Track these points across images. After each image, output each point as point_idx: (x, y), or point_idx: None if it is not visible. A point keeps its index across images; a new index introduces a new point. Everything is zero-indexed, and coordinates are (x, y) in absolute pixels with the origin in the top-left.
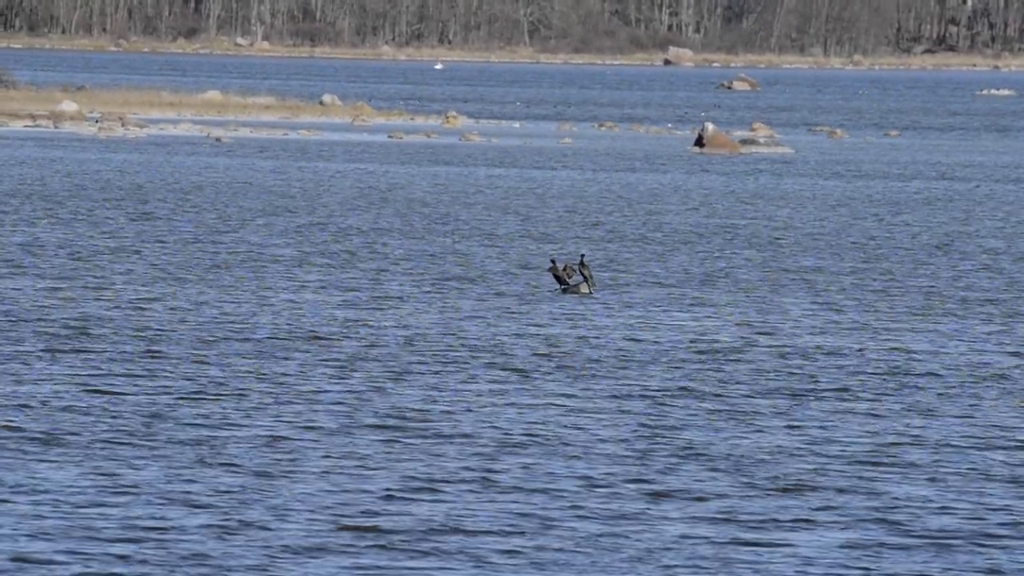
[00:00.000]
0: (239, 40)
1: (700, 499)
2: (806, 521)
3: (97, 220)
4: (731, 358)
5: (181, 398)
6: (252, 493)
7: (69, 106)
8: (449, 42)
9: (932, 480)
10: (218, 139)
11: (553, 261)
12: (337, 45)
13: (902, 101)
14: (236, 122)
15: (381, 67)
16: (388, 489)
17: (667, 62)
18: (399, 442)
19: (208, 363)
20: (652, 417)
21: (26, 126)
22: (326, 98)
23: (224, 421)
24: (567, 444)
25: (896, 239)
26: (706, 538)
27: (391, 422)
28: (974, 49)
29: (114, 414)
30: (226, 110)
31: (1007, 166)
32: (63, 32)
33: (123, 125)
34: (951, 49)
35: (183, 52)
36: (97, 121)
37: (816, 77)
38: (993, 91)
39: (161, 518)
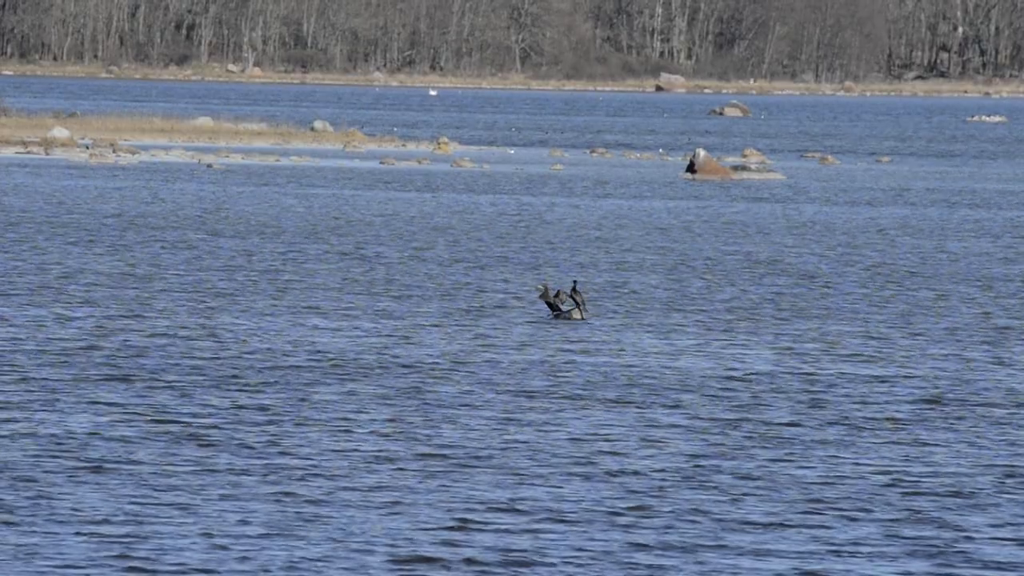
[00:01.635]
0: (230, 67)
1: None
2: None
3: (131, 248)
4: (756, 384)
5: (229, 424)
6: (303, 523)
7: (60, 132)
8: (441, 69)
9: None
10: (209, 165)
11: (545, 286)
12: (328, 71)
13: (894, 127)
14: (228, 148)
15: (374, 93)
16: (441, 519)
17: (659, 88)
18: (444, 471)
19: (242, 391)
20: (690, 444)
21: (17, 152)
22: (317, 124)
23: (265, 450)
24: (621, 469)
25: (926, 265)
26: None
27: (435, 451)
28: (965, 75)
29: (160, 442)
30: (217, 136)
31: (1001, 192)
32: (54, 59)
33: (114, 151)
34: (942, 75)
35: (174, 79)
36: (88, 147)
37: (807, 103)
38: (984, 117)
39: (213, 547)
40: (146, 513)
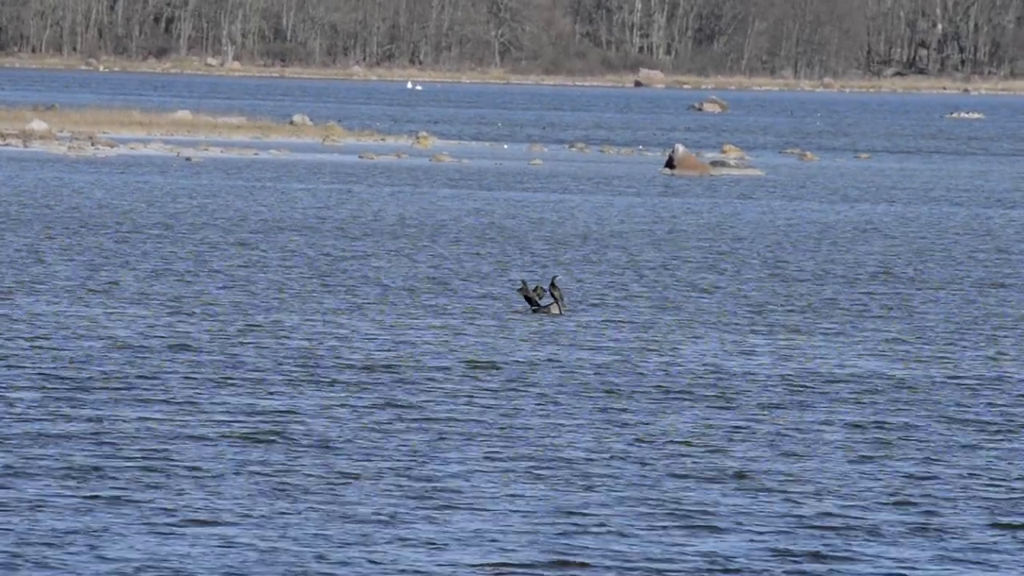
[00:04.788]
0: (210, 60)
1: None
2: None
3: (188, 245)
4: (754, 379)
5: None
6: (395, 527)
7: (39, 125)
8: (420, 63)
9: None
10: (188, 158)
11: (523, 282)
12: (308, 65)
13: (873, 124)
14: (206, 142)
15: (353, 87)
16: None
17: (638, 84)
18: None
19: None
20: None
21: None
22: (296, 118)
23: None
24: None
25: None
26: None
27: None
28: (944, 72)
29: (241, 444)
30: (196, 130)
31: (977, 189)
32: (33, 51)
33: (93, 144)
34: (921, 72)
35: (153, 72)
36: (67, 140)
37: (786, 99)
38: (963, 114)
39: (308, 552)
40: (252, 519)
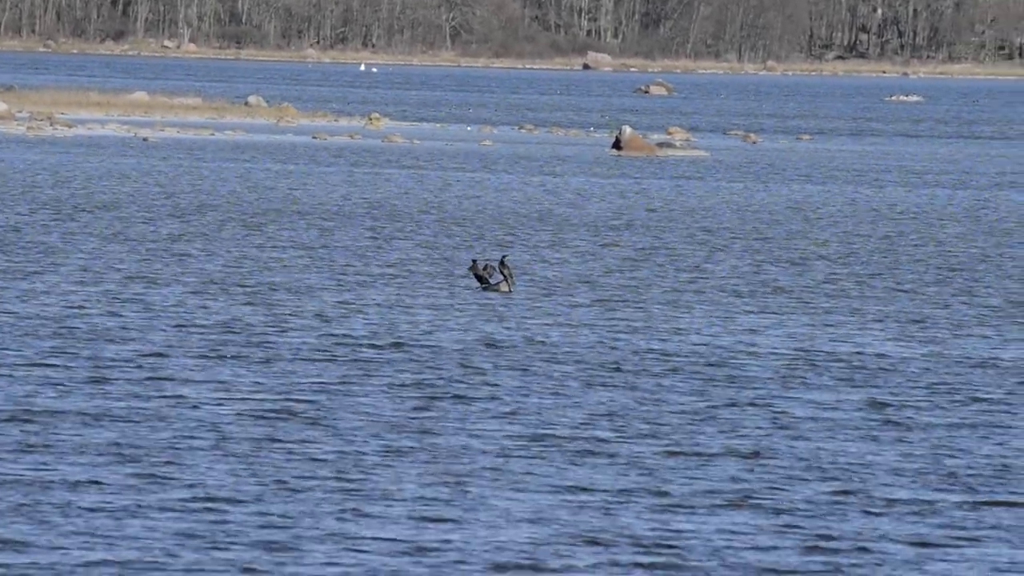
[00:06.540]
0: (166, 42)
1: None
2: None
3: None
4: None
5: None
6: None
7: None
8: (372, 46)
9: None
10: (145, 139)
11: (474, 261)
12: (263, 48)
13: (814, 106)
14: (163, 122)
15: (308, 70)
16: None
17: (586, 67)
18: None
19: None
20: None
21: None
22: (251, 99)
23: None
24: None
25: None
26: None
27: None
28: (884, 56)
29: (309, 425)
30: (153, 111)
31: (924, 171)
32: None
33: (52, 125)
34: (862, 56)
35: (111, 54)
36: (26, 120)
37: (731, 83)
38: (902, 97)
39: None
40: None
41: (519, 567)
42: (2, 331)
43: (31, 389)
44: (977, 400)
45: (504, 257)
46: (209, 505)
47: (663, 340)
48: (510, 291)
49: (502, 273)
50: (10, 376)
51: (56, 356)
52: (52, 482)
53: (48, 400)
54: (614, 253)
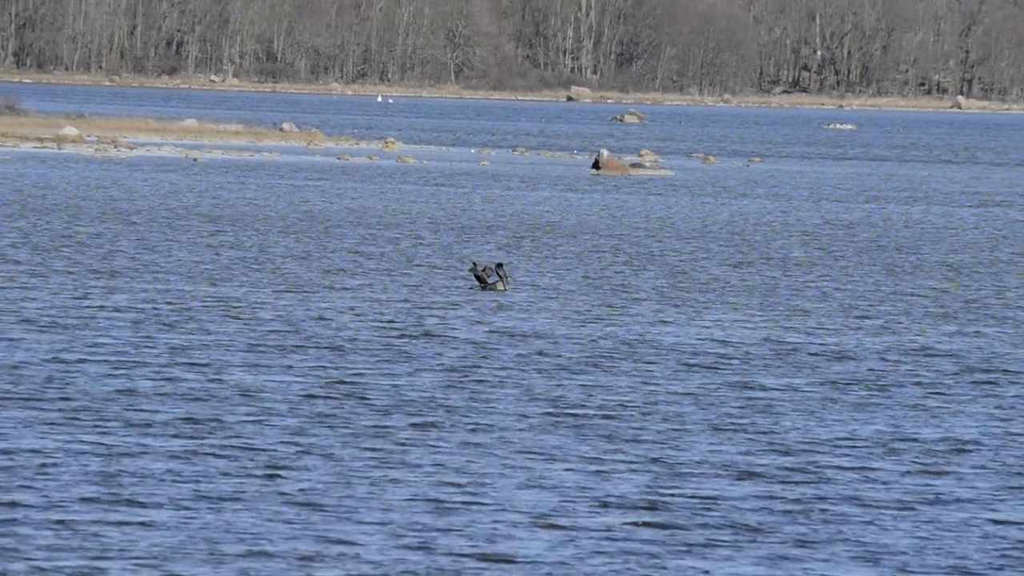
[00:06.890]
0: (213, 77)
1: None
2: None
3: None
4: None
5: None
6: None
7: (71, 131)
8: (388, 80)
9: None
10: (195, 159)
11: (474, 263)
12: (295, 82)
13: (763, 133)
14: (210, 145)
15: (333, 101)
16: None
17: (569, 99)
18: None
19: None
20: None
21: (34, 147)
22: (285, 126)
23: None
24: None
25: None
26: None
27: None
28: (823, 91)
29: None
30: (201, 135)
31: (866, 189)
32: (66, 69)
33: (116, 147)
34: (804, 91)
35: (166, 87)
36: (94, 143)
37: (693, 112)
38: (838, 125)
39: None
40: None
41: (533, 524)
42: (98, 322)
43: (128, 372)
44: (920, 385)
45: (500, 264)
46: (268, 471)
47: (642, 332)
48: (506, 290)
49: (498, 274)
50: (107, 360)
51: (145, 344)
52: (131, 453)
53: (140, 382)
54: (596, 256)
